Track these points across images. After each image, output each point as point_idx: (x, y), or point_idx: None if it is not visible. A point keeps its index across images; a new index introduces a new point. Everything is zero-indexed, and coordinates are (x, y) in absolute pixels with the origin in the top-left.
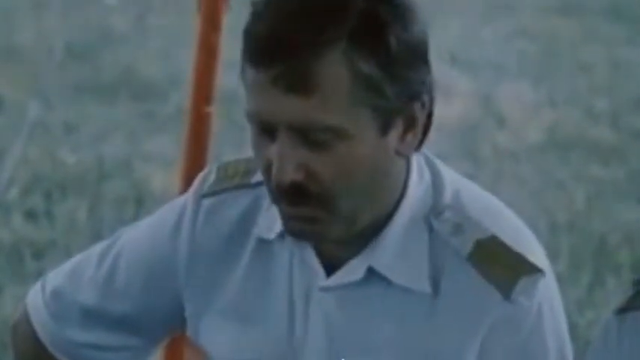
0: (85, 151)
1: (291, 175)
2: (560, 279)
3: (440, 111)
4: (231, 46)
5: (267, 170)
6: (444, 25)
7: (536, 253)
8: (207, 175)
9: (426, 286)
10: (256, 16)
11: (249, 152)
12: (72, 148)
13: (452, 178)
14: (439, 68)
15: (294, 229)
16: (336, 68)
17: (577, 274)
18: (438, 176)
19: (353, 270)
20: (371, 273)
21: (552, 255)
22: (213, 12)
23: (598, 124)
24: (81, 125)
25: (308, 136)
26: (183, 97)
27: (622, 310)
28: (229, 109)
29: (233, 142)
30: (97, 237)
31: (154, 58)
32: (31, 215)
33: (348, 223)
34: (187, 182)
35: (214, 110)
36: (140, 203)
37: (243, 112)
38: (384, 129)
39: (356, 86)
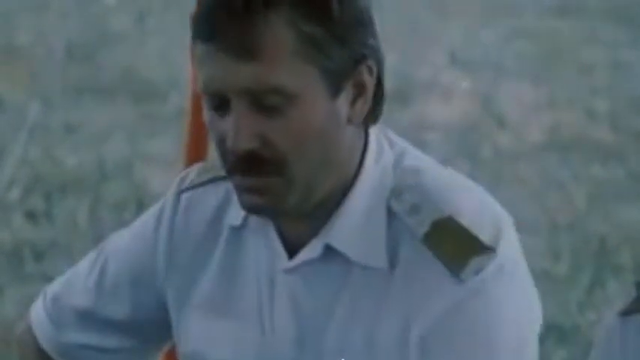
0: (85, 151)
1: (246, 143)
2: (560, 280)
3: (440, 111)
4: None
5: (222, 143)
6: (444, 25)
7: (493, 234)
8: (187, 174)
9: (383, 263)
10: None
11: None
12: (72, 149)
13: (415, 159)
14: (440, 69)
15: (249, 202)
16: (279, 30)
17: (577, 275)
18: (401, 156)
19: (312, 249)
20: (330, 250)
21: (553, 256)
22: None
23: (598, 124)
24: (81, 126)
25: (260, 101)
26: (183, 97)
27: (625, 313)
28: None
29: None
30: (97, 238)
31: (154, 59)
32: (31, 216)
33: (303, 192)
34: None
35: None
36: (140, 204)
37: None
38: (334, 92)
39: (300, 45)
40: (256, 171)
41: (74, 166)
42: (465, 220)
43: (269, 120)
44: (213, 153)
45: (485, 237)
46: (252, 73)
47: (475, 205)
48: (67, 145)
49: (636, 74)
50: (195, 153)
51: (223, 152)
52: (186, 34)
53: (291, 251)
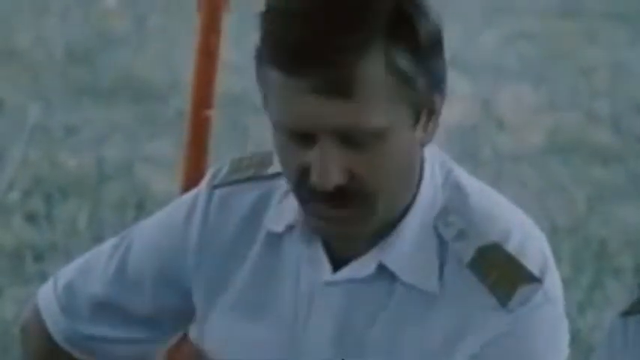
0: (85, 153)
1: (335, 179)
2: (560, 282)
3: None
4: (232, 49)
5: (302, 175)
6: (444, 27)
7: (538, 262)
8: (220, 168)
9: (434, 286)
10: (280, 21)
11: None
12: (72, 151)
13: (464, 181)
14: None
15: (327, 230)
16: (375, 67)
17: (578, 277)
18: (450, 177)
19: (363, 265)
20: (380, 269)
21: (553, 258)
22: (212, 15)
23: (599, 126)
24: (81, 128)
25: (351, 138)
26: (183, 100)
27: (626, 314)
28: (231, 112)
29: (235, 145)
30: (97, 240)
31: (154, 61)
32: (31, 218)
33: (382, 219)
34: (187, 185)
35: (214, 113)
36: (140, 206)
37: (268, 119)
38: (415, 121)
39: (394, 83)
40: (341, 203)
41: (74, 167)
42: (511, 248)
43: (357, 155)
44: (213, 155)
45: (531, 265)
46: (349, 113)
47: (520, 230)
48: (67, 147)
49: (637, 76)
50: (195, 155)
51: (300, 183)
52: (186, 37)
53: (335, 264)
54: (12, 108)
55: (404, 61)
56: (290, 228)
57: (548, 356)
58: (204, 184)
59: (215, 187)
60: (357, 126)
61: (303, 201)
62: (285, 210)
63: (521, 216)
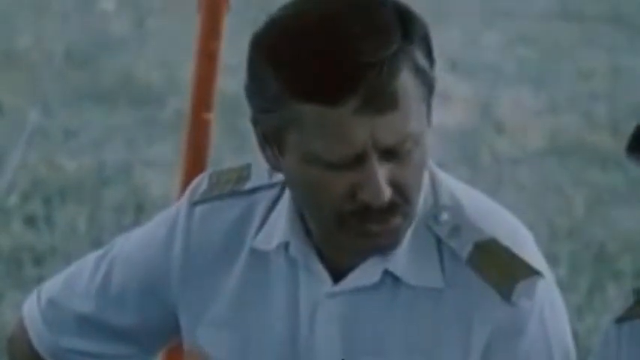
0: (84, 156)
1: (388, 193)
2: (559, 285)
3: (439, 117)
4: (231, 51)
5: (347, 199)
6: (444, 30)
7: (533, 256)
8: (199, 183)
9: (439, 281)
10: (305, 56)
11: (248, 159)
12: (71, 154)
13: (447, 180)
14: (439, 74)
15: (373, 245)
16: (407, 71)
17: (576, 280)
18: (435, 177)
19: (366, 273)
20: (384, 276)
21: (552, 261)
22: (212, 17)
23: (598, 130)
24: (80, 131)
25: (393, 150)
26: (182, 102)
27: (621, 319)
28: (229, 116)
29: (233, 148)
30: (96, 243)
31: (154, 64)
32: (30, 221)
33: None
34: (186, 189)
35: (213, 116)
36: (140, 209)
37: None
38: (428, 119)
39: (418, 82)
40: (391, 216)
41: (73, 171)
42: (508, 241)
43: (398, 166)
44: (211, 158)
45: (529, 258)
46: (395, 125)
47: (511, 225)
48: (66, 150)
49: (636, 79)
50: (194, 159)
51: (343, 206)
52: (185, 39)
53: (332, 275)
54: (11, 111)
55: (420, 58)
56: (281, 245)
57: (555, 345)
58: (183, 201)
59: (195, 203)
60: (402, 137)
61: (341, 224)
62: (274, 228)
63: (506, 212)
